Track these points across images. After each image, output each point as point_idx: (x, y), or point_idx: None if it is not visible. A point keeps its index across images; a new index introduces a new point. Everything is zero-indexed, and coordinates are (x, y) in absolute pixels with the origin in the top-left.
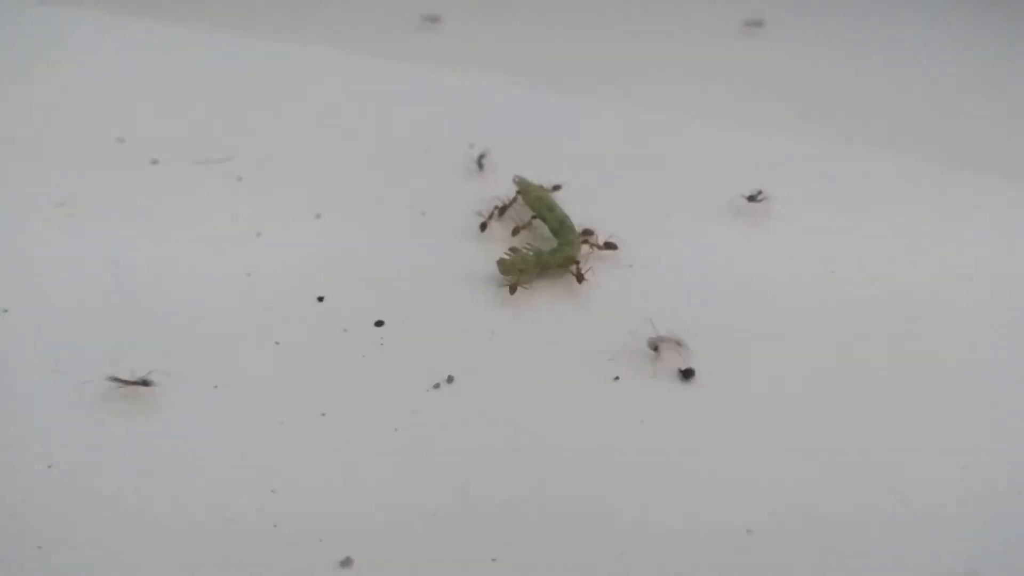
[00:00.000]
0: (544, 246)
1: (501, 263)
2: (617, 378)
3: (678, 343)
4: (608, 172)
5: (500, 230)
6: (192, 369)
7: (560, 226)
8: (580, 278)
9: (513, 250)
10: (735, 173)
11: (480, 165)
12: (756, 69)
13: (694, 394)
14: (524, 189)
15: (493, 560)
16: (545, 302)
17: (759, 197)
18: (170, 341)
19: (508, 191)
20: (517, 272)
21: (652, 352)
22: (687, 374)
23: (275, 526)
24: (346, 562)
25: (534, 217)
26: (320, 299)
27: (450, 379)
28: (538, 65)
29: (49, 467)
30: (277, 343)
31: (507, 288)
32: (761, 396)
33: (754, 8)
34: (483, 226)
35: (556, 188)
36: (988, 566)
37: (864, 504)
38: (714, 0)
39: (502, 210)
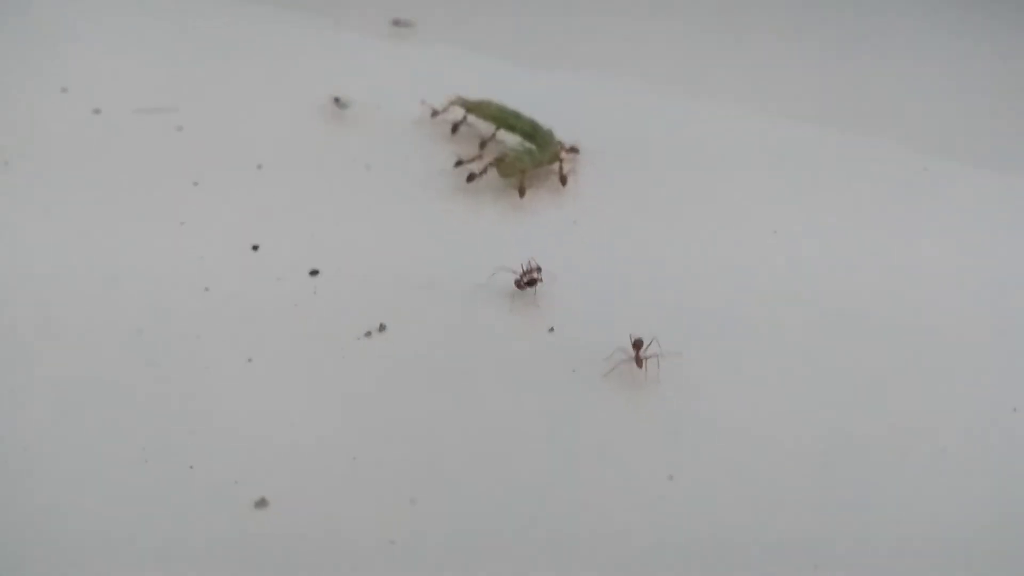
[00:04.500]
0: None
1: (501, 165)
2: (552, 329)
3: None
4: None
5: (448, 180)
6: (117, 314)
7: (534, 129)
8: (564, 180)
9: (503, 154)
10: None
11: (434, 114)
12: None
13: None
14: (476, 106)
15: (412, 502)
16: (487, 256)
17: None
18: (96, 286)
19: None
20: (519, 172)
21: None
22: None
23: (191, 467)
24: (261, 503)
25: (498, 128)
26: (255, 248)
27: (382, 327)
28: (494, 29)
29: None
30: (207, 289)
31: (516, 192)
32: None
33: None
34: (471, 177)
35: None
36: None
37: (828, 504)
38: None
39: (454, 128)
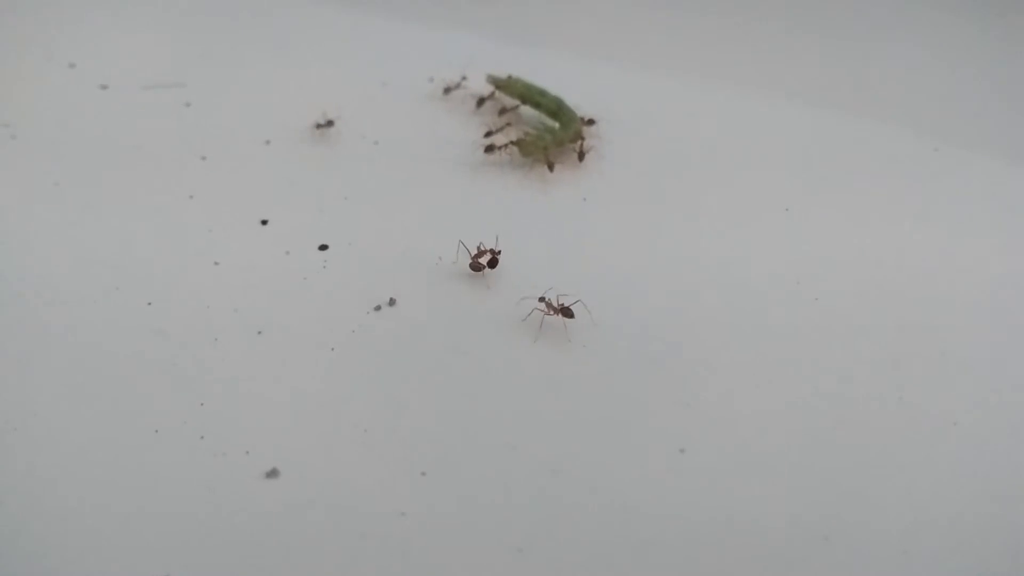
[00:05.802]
0: (531, 129)
1: (523, 145)
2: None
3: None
4: None
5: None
6: (127, 287)
7: (559, 107)
8: (582, 155)
9: (524, 134)
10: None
11: (446, 90)
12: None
13: (633, 345)
14: (507, 84)
15: (423, 474)
16: (497, 231)
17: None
18: (105, 260)
19: (467, 122)
20: (541, 151)
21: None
22: (566, 312)
23: (201, 438)
24: (272, 473)
25: (523, 103)
26: (264, 222)
27: (392, 302)
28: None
29: None
30: (216, 263)
31: (546, 167)
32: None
33: None
34: (489, 148)
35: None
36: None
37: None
38: None
39: (480, 102)
